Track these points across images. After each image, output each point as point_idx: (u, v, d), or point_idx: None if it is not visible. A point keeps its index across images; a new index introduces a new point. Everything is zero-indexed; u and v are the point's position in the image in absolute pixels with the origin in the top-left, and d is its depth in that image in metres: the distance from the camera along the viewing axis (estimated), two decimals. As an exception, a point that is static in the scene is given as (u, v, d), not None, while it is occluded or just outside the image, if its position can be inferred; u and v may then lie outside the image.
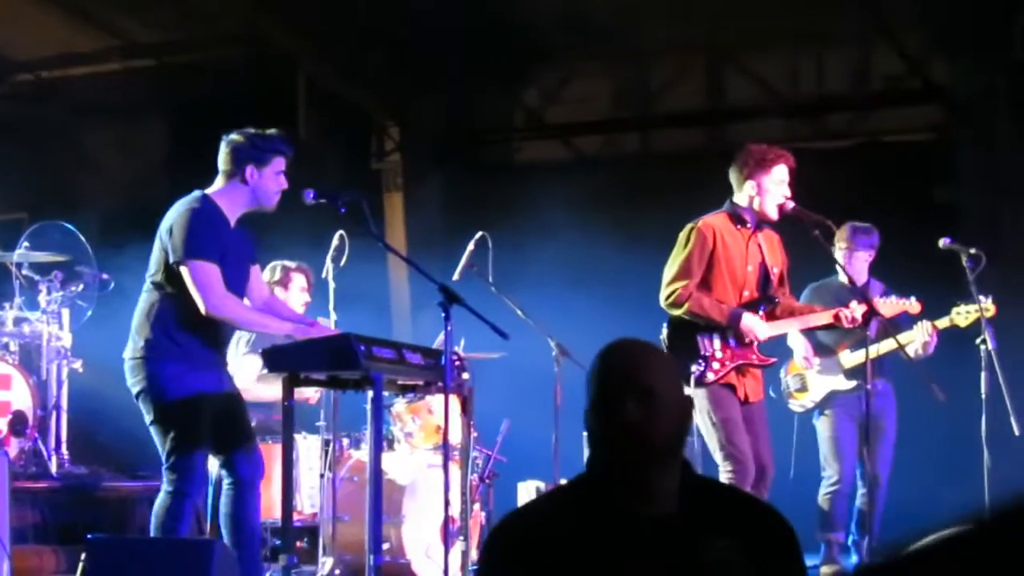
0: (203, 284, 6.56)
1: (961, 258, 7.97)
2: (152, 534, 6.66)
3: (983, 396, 7.74)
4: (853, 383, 8.67)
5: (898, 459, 8.76)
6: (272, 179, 6.83)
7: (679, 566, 3.18)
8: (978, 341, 7.90)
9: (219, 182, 6.88)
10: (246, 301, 6.96)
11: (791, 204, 7.47)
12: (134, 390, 6.71)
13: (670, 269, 7.54)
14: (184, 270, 6.58)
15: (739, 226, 7.57)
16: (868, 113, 12.94)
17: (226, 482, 6.83)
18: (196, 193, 6.82)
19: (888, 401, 8.83)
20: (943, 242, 8.04)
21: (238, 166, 6.80)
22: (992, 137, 11.73)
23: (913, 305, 8.30)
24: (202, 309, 6.55)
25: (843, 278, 8.79)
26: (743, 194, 7.58)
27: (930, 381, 7.76)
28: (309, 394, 9.01)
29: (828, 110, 13.13)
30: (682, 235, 7.57)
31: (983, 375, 7.80)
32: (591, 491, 3.28)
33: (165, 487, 6.66)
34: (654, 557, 3.20)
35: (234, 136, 6.88)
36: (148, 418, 6.67)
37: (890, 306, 8.17)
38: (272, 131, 6.94)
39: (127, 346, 6.76)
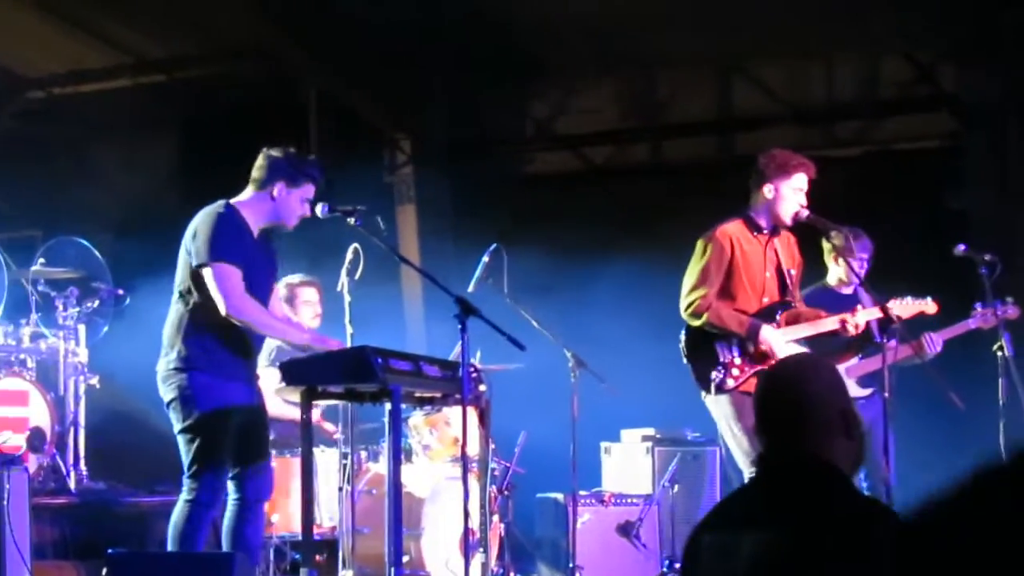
0: (224, 287, 6.59)
1: (976, 265, 7.94)
2: (169, 545, 6.69)
3: (1000, 404, 7.71)
4: (869, 390, 8.51)
5: (916, 468, 8.69)
6: (297, 202, 6.86)
7: None
8: (995, 348, 7.87)
9: (247, 192, 6.93)
10: None
11: (806, 212, 7.46)
12: (166, 399, 6.74)
13: (689, 279, 7.52)
14: (207, 271, 6.61)
15: (755, 233, 7.56)
16: (878, 121, 12.94)
17: (231, 498, 6.86)
18: (220, 201, 6.85)
19: (879, 410, 8.67)
20: (958, 249, 7.99)
21: (270, 179, 6.84)
22: (1003, 143, 11.73)
23: (929, 305, 8.02)
24: (222, 311, 6.58)
25: (832, 282, 8.77)
26: (759, 197, 7.57)
27: (948, 390, 7.73)
28: (329, 428, 9.06)
29: (838, 118, 13.12)
30: (699, 244, 7.55)
31: (1000, 382, 7.78)
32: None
33: (184, 496, 6.69)
34: None
35: (274, 151, 6.93)
36: (177, 426, 6.71)
37: (906, 307, 7.91)
38: (311, 157, 7.04)
39: (160, 359, 6.79)
